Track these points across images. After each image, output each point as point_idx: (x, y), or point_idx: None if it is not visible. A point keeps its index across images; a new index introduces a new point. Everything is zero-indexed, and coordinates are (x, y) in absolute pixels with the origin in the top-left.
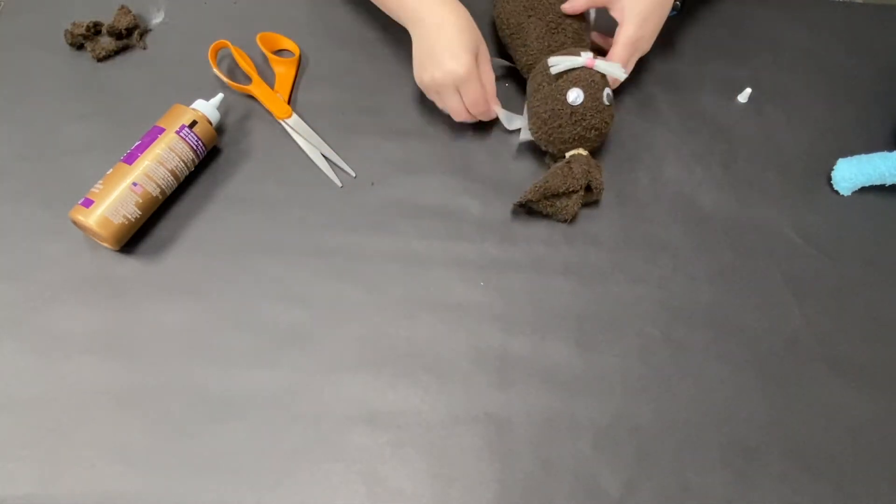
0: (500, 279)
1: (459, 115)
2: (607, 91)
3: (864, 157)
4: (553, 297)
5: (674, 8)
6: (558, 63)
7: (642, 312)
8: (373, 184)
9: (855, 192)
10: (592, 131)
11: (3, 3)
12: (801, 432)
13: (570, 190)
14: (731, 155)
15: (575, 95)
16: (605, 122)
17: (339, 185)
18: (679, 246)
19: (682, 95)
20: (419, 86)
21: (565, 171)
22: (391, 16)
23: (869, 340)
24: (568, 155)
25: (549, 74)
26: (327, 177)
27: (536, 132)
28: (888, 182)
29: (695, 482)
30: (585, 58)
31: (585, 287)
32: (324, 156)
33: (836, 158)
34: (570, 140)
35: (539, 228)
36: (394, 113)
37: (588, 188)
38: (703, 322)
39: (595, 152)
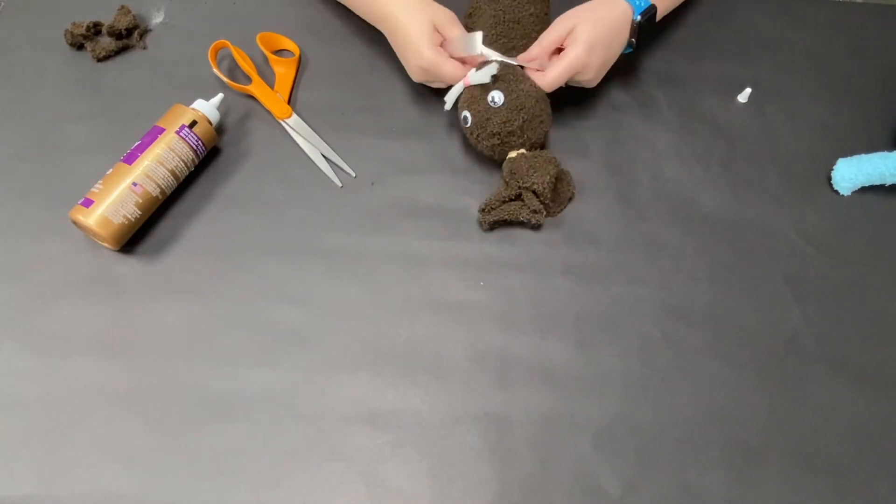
0: (500, 279)
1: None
2: (490, 95)
3: (864, 157)
4: (553, 297)
5: (629, 45)
6: (449, 98)
7: (642, 312)
8: (373, 184)
9: (855, 192)
10: (496, 136)
11: (3, 4)
12: (801, 432)
13: (513, 195)
14: (731, 155)
15: (465, 117)
16: (504, 122)
17: (339, 185)
18: (679, 246)
19: (682, 95)
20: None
21: (503, 177)
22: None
23: (869, 340)
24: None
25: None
26: (327, 177)
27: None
28: (888, 182)
29: (695, 482)
30: (462, 80)
31: (585, 287)
32: (324, 156)
33: (836, 158)
34: (491, 151)
35: (539, 228)
36: (394, 113)
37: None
38: (703, 322)
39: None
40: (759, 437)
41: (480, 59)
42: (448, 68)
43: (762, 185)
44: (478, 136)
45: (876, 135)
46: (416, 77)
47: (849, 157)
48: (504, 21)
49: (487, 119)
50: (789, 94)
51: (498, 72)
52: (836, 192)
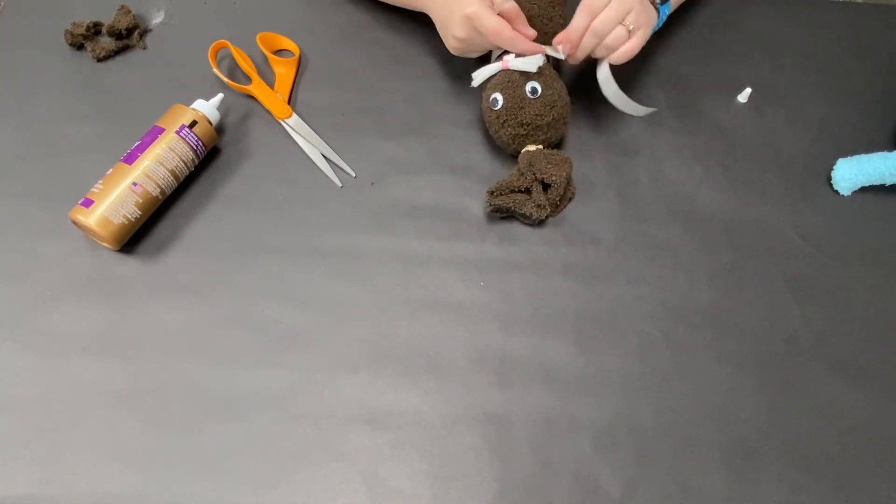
0: (500, 279)
1: (501, 45)
2: (531, 85)
3: (864, 157)
4: (553, 297)
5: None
6: (478, 75)
7: (642, 312)
8: (373, 184)
9: (855, 192)
10: (524, 127)
11: (3, 4)
12: (801, 432)
13: (523, 186)
14: (731, 155)
15: (495, 99)
16: (537, 115)
17: (339, 185)
18: (679, 246)
19: (682, 95)
20: (457, 54)
21: (518, 167)
22: (409, 8)
23: (869, 340)
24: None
25: (481, 87)
26: (327, 177)
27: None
28: (888, 182)
29: (695, 482)
30: (500, 61)
31: (585, 287)
32: (324, 156)
33: (836, 158)
34: (511, 140)
35: (539, 228)
36: (394, 113)
37: (547, 185)
38: (703, 322)
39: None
40: (759, 437)
41: (526, 34)
42: (494, 20)
43: (762, 185)
44: (505, 121)
45: (876, 135)
46: (455, 39)
47: (849, 157)
48: (538, 16)
49: (521, 108)
50: (789, 94)
51: (542, 63)
52: (836, 192)
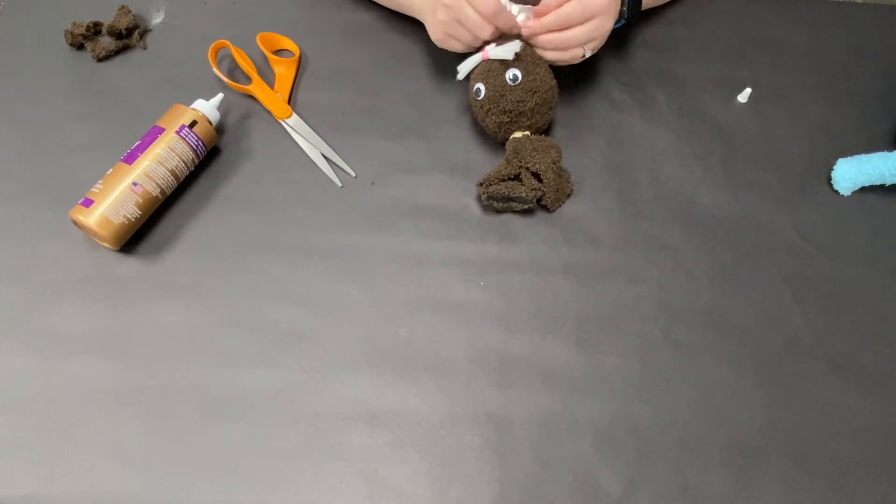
0: (500, 279)
1: (483, 31)
2: (511, 73)
3: (864, 157)
4: (553, 297)
5: (621, 16)
6: (462, 68)
7: (642, 312)
8: (373, 184)
9: (855, 192)
10: (507, 114)
11: (3, 4)
12: (801, 432)
13: (511, 174)
14: (731, 155)
15: (478, 89)
16: (519, 101)
17: (339, 185)
18: (679, 246)
19: (682, 95)
20: (442, 45)
21: (505, 156)
22: (404, 13)
23: (869, 340)
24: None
25: (467, 80)
26: (327, 177)
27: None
28: (888, 182)
29: (695, 482)
30: (481, 52)
31: (585, 287)
32: (324, 156)
33: (836, 158)
34: (497, 129)
35: (539, 228)
36: (394, 113)
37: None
38: (703, 322)
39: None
40: (759, 437)
41: (506, 22)
42: (470, 10)
43: (762, 185)
44: (488, 110)
45: (876, 135)
46: (437, 29)
47: (849, 157)
48: None
49: (502, 95)
50: (789, 94)
51: (520, 50)
52: (836, 192)
